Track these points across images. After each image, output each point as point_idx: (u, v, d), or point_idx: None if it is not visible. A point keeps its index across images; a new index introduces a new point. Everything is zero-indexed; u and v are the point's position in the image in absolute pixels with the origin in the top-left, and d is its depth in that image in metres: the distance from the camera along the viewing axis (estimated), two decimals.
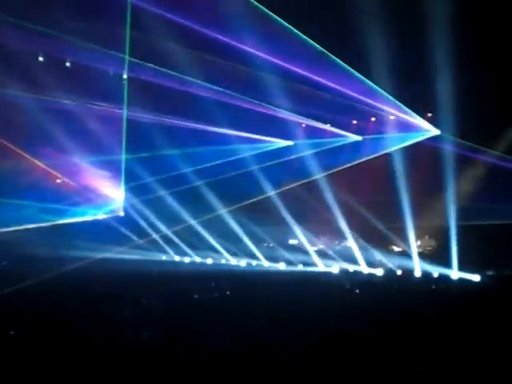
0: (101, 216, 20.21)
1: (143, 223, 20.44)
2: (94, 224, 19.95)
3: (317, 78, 16.17)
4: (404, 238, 17.94)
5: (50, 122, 17.31)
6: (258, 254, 20.26)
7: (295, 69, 15.88)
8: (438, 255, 17.25)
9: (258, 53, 15.31)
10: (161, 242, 20.97)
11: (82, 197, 19.97)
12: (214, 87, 16.96)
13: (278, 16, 13.96)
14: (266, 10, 13.79)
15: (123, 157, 18.78)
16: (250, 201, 19.81)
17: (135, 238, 20.66)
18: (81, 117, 17.67)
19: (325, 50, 14.92)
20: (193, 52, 15.53)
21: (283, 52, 15.18)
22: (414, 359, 6.00)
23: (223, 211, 19.98)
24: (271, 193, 19.73)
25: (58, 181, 20.13)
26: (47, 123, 17.28)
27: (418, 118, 18.10)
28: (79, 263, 16.54)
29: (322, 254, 20.30)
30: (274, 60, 15.61)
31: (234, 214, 19.86)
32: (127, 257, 19.85)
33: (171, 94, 17.28)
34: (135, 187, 19.84)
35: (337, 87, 16.53)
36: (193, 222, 20.18)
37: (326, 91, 16.69)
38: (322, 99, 17.16)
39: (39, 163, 18.91)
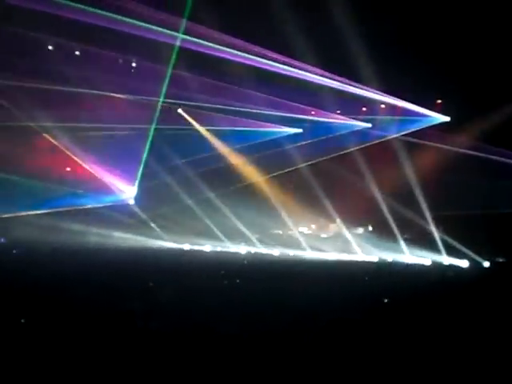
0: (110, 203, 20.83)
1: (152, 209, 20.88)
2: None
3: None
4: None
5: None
6: (266, 241, 20.37)
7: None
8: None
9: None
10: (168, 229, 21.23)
11: (93, 185, 20.48)
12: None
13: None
14: None
15: (145, 151, 19.39)
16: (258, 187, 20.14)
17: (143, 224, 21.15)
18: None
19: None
20: None
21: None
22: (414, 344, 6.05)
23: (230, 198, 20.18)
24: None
25: (68, 169, 20.67)
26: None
27: (427, 105, 18.11)
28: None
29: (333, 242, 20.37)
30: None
31: (242, 202, 19.97)
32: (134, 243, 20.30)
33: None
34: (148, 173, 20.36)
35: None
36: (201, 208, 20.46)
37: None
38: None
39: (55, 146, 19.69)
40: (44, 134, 19.28)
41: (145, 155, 19.62)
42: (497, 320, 7.78)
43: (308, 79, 16.77)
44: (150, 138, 19.21)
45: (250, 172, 20.96)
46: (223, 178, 20.68)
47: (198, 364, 6.41)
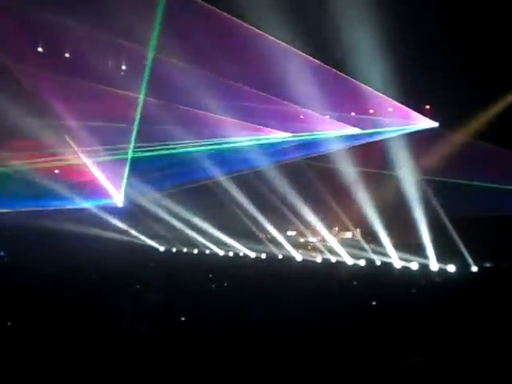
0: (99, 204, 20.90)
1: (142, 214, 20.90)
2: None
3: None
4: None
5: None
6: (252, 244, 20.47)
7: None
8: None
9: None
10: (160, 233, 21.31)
11: (83, 186, 20.51)
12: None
13: None
14: None
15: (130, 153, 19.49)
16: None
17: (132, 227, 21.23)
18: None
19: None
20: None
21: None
22: (409, 351, 6.07)
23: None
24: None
25: (56, 171, 20.62)
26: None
27: (415, 110, 18.19)
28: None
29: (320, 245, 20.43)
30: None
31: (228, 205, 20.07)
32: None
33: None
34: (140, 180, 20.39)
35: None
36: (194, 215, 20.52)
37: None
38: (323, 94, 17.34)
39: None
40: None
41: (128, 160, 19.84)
42: (483, 323, 7.84)
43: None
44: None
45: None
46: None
47: (184, 365, 6.42)
